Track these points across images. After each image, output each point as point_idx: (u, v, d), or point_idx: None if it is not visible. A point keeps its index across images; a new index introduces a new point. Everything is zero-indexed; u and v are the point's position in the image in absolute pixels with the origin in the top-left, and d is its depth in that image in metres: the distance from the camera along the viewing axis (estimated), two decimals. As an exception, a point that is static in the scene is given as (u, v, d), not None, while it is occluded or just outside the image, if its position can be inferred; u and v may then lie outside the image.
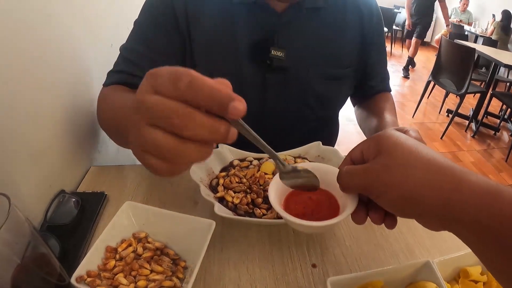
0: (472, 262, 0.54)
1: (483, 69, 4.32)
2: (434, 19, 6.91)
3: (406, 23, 5.16)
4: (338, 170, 0.44)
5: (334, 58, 0.78)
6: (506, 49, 4.82)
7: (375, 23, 0.83)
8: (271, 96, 0.78)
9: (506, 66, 3.19)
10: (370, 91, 0.91)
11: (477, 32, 5.87)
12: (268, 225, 0.61)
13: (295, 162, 0.69)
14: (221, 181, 0.63)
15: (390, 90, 0.93)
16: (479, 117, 3.51)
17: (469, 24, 6.38)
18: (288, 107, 0.80)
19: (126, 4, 1.15)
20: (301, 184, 0.45)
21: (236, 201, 0.59)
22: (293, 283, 0.53)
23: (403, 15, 7.04)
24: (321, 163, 0.55)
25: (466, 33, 5.46)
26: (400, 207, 0.37)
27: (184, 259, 0.52)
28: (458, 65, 3.15)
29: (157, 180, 0.73)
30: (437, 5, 4.92)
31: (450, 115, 3.44)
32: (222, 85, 0.29)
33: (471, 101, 4.11)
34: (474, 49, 2.98)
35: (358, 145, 0.43)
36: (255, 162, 0.69)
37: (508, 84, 4.51)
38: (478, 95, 3.52)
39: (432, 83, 3.57)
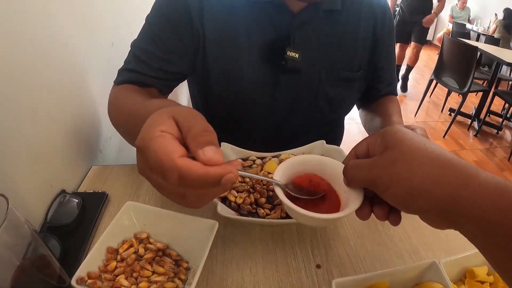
0: (479, 262, 0.53)
1: (486, 68, 4.30)
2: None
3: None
4: (341, 164, 0.44)
5: (347, 61, 0.78)
6: (509, 47, 4.78)
7: (387, 28, 0.82)
8: (282, 98, 0.77)
9: (508, 64, 3.18)
10: (377, 94, 0.90)
11: (479, 31, 5.85)
12: (271, 225, 0.61)
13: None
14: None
15: (396, 94, 0.92)
16: (482, 116, 3.49)
17: (469, 21, 6.37)
18: (298, 109, 0.79)
19: (126, 4, 1.14)
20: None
21: (239, 201, 0.58)
22: (297, 284, 0.52)
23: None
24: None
25: (467, 31, 5.44)
26: (406, 202, 0.36)
27: (186, 260, 0.51)
28: (461, 63, 3.13)
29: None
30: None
31: (453, 114, 3.43)
32: (212, 168, 0.31)
33: (473, 99, 4.09)
34: (476, 48, 2.96)
35: (363, 139, 0.42)
36: (258, 161, 0.68)
37: (510, 82, 4.49)
38: (480, 93, 3.50)
39: (434, 82, 3.55)
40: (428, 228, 0.58)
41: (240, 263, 0.55)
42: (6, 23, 0.52)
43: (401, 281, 0.49)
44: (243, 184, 0.61)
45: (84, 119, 0.78)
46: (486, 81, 3.74)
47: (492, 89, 3.37)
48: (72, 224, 0.59)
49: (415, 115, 3.73)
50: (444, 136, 3.37)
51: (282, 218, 0.56)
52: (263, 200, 0.59)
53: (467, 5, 6.40)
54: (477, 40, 5.40)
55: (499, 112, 3.82)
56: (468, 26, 5.97)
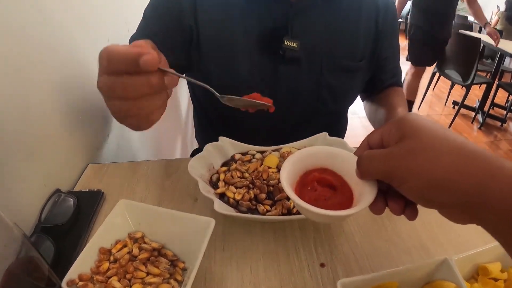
0: (491, 259, 0.51)
1: (489, 60, 4.25)
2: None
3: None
4: (353, 155, 0.41)
5: (348, 50, 0.76)
6: (511, 39, 4.74)
7: (390, 17, 0.80)
8: (282, 89, 0.75)
9: (512, 56, 3.14)
10: (381, 85, 0.88)
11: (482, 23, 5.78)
12: (272, 222, 0.58)
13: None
14: (222, 176, 0.60)
15: (401, 85, 0.90)
16: (485, 109, 3.45)
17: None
18: (300, 100, 0.77)
19: (122, -3, 1.12)
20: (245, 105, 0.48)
21: (238, 197, 0.55)
22: (300, 284, 0.49)
23: (406, 7, 6.98)
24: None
25: (470, 23, 5.38)
26: (427, 196, 0.34)
27: (183, 260, 0.48)
28: (464, 55, 3.10)
29: (155, 177, 0.70)
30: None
31: (456, 107, 3.39)
32: (134, 47, 0.36)
33: (476, 92, 4.05)
34: (479, 39, 2.94)
35: (377, 129, 0.40)
36: (258, 155, 0.65)
37: (515, 74, 4.45)
38: (483, 86, 3.47)
39: (437, 75, 3.52)
40: (437, 223, 0.55)
41: (240, 262, 0.52)
42: None
43: (410, 280, 0.47)
44: (242, 179, 0.59)
45: (80, 116, 0.76)
46: (489, 73, 3.70)
47: (496, 81, 3.34)
48: (67, 224, 0.57)
49: (418, 109, 3.70)
50: (448, 129, 3.32)
51: (283, 214, 0.54)
52: (263, 196, 0.56)
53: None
54: (479, 32, 5.34)
55: (503, 104, 3.78)
56: (470, 18, 5.89)
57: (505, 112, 3.61)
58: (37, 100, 0.60)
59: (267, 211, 0.54)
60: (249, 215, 0.53)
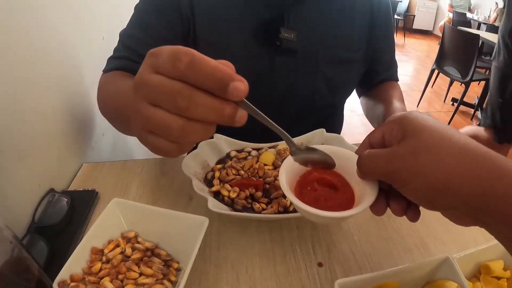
0: (493, 257, 0.50)
1: (488, 57, 4.24)
2: (436, 7, 6.84)
3: None
4: (354, 154, 0.40)
5: (344, 41, 0.75)
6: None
7: (384, 8, 0.80)
8: (279, 81, 0.74)
9: (511, 52, 3.12)
10: (376, 78, 0.87)
11: (480, 19, 5.77)
12: (268, 221, 0.57)
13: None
14: (217, 174, 0.59)
15: (397, 80, 0.90)
16: (484, 105, 3.43)
17: (469, 10, 6.28)
18: (296, 92, 0.77)
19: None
20: (315, 160, 0.42)
21: (233, 195, 0.54)
22: (297, 284, 0.48)
23: (404, 4, 6.98)
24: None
25: (468, 20, 5.38)
26: (430, 198, 0.33)
27: (177, 260, 0.47)
28: (462, 52, 3.10)
29: (150, 176, 0.69)
30: None
31: (455, 104, 3.38)
32: (224, 66, 0.29)
33: (476, 89, 4.04)
34: (478, 36, 2.93)
35: (378, 127, 0.39)
36: (254, 152, 0.64)
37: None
38: (482, 83, 3.46)
39: (436, 72, 3.51)
40: (437, 221, 0.54)
41: (235, 262, 0.51)
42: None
43: (411, 279, 0.45)
44: (238, 177, 0.57)
45: (74, 115, 0.75)
46: (488, 70, 3.69)
47: (495, 78, 3.32)
48: (60, 224, 0.56)
49: (417, 106, 3.69)
50: (447, 127, 3.31)
51: (279, 212, 0.52)
52: (259, 194, 0.55)
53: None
54: (478, 28, 5.33)
55: (503, 101, 3.76)
56: (469, 15, 5.88)
57: (504, 109, 3.59)
58: (30, 99, 0.59)
59: (263, 209, 0.53)
60: (245, 214, 0.51)
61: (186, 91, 0.28)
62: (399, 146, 0.34)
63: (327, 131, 0.68)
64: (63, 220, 0.56)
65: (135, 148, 1.14)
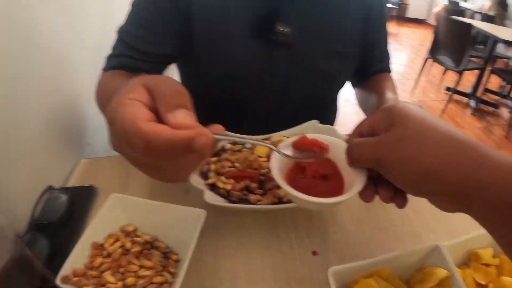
0: (483, 245, 0.51)
1: (481, 46, 4.25)
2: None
3: None
4: (344, 143, 0.41)
5: (340, 35, 0.75)
6: (504, 25, 4.72)
7: (378, 2, 0.80)
8: (276, 75, 0.74)
9: (505, 42, 3.12)
10: (370, 69, 0.87)
11: (474, 9, 5.76)
12: (264, 212, 0.58)
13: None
14: (213, 166, 0.60)
15: (390, 71, 0.90)
16: (478, 94, 3.46)
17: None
18: (294, 87, 0.77)
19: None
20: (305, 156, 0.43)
21: (228, 187, 0.55)
22: (293, 272, 0.50)
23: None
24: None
25: (462, 9, 5.36)
26: (415, 184, 0.34)
27: (176, 252, 0.49)
28: (456, 41, 3.08)
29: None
30: None
31: (449, 93, 3.39)
32: (180, 125, 0.28)
33: (470, 78, 4.05)
34: (470, 25, 2.91)
35: (367, 117, 0.40)
36: (249, 145, 0.65)
37: (506, 60, 4.44)
38: (476, 72, 3.47)
39: (430, 61, 3.51)
40: (429, 210, 0.55)
41: (233, 252, 0.52)
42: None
43: (402, 266, 0.47)
44: (232, 169, 0.58)
45: (69, 111, 0.75)
46: (482, 59, 3.70)
47: (488, 67, 3.34)
48: (60, 220, 0.56)
49: (411, 95, 3.70)
50: (441, 115, 3.34)
51: (274, 203, 0.54)
52: (254, 185, 0.56)
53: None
54: (472, 18, 5.33)
55: (496, 90, 3.79)
56: (463, 4, 5.87)
57: (497, 97, 3.62)
58: (25, 98, 0.59)
59: (259, 200, 0.54)
60: (240, 205, 0.53)
61: (152, 162, 0.29)
62: (386, 134, 0.35)
63: (322, 122, 0.68)
64: (62, 216, 0.57)
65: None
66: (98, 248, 0.47)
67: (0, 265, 0.37)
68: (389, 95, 0.75)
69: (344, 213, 0.60)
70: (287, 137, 0.66)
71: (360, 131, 0.40)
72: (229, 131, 0.66)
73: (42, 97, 0.65)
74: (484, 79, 3.38)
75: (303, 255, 0.52)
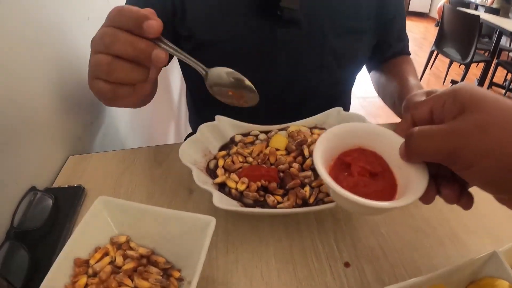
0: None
1: (486, 38, 4.21)
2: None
3: None
4: (396, 135, 0.36)
5: (352, 9, 0.68)
6: (508, 17, 4.69)
7: None
8: (282, 56, 0.68)
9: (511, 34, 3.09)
10: (389, 50, 0.81)
11: (477, 1, 5.71)
12: (284, 216, 0.49)
13: (312, 133, 0.56)
14: (221, 162, 0.51)
15: (409, 54, 0.84)
16: (484, 88, 3.40)
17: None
18: (301, 68, 0.70)
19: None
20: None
21: (241, 187, 0.46)
22: (323, 289, 0.41)
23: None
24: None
25: (467, 2, 5.31)
26: (499, 179, 0.28)
27: (178, 268, 0.39)
28: (462, 33, 3.10)
29: (143, 166, 0.61)
30: None
31: (455, 86, 3.34)
32: (144, 10, 0.37)
33: (474, 71, 4.01)
34: (478, 16, 2.94)
35: (423, 101, 0.34)
36: (262, 136, 0.56)
37: (511, 53, 4.41)
38: (481, 65, 3.45)
39: (434, 54, 3.46)
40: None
41: (248, 266, 0.43)
42: None
43: (456, 280, 0.39)
44: (245, 164, 0.49)
45: (58, 102, 0.67)
46: (487, 52, 3.65)
47: (495, 60, 3.29)
48: (43, 228, 0.49)
49: (416, 89, 3.64)
50: (447, 110, 3.28)
51: (298, 206, 0.45)
52: (274, 185, 0.47)
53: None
54: (476, 10, 5.28)
55: (501, 83, 3.74)
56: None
57: (503, 91, 3.57)
58: (7, 87, 0.52)
59: (278, 202, 0.45)
60: (258, 210, 0.43)
61: (110, 31, 0.37)
62: (460, 121, 0.29)
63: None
64: (46, 223, 0.50)
65: (127, 137, 1.06)
66: (82, 265, 0.38)
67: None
68: (412, 81, 0.69)
69: (376, 215, 0.51)
70: (306, 127, 0.57)
71: (415, 118, 0.35)
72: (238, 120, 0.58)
73: (27, 86, 0.57)
74: (489, 72, 3.33)
75: (334, 267, 0.43)
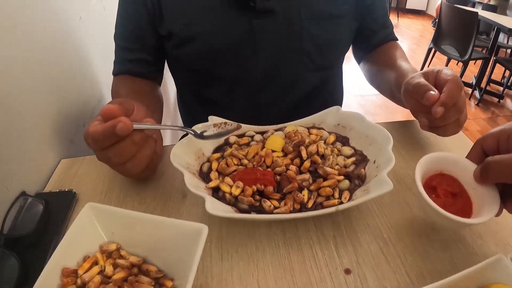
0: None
1: (483, 36, 4.21)
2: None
3: None
4: (469, 161, 0.45)
5: None
6: (505, 14, 4.69)
7: None
8: (262, 46, 0.68)
9: (510, 31, 3.08)
10: (374, 37, 0.81)
11: (475, -1, 5.71)
12: (281, 221, 0.47)
13: (310, 133, 0.54)
14: (215, 165, 0.49)
15: (396, 39, 0.84)
16: (482, 85, 3.40)
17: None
18: (282, 56, 0.70)
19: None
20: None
21: (236, 192, 0.44)
22: (323, 299, 0.39)
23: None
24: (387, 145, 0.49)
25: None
26: None
27: (171, 277, 0.37)
28: (460, 30, 3.07)
29: (135, 171, 0.59)
30: None
31: (453, 84, 3.33)
32: (106, 112, 0.42)
33: (472, 68, 4.01)
34: (477, 13, 2.91)
35: (489, 133, 0.42)
36: (258, 137, 0.54)
37: (509, 50, 4.41)
38: (479, 62, 3.43)
39: (432, 51, 3.45)
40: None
41: (244, 274, 0.41)
42: None
43: (462, 286, 0.37)
44: (240, 167, 0.47)
45: (49, 104, 0.66)
46: (485, 49, 3.64)
47: (493, 57, 3.28)
48: (34, 234, 0.48)
49: (414, 87, 3.64)
50: (446, 107, 3.28)
51: (296, 210, 0.43)
52: (270, 189, 0.45)
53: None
54: (473, 7, 5.28)
55: (499, 80, 3.74)
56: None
57: (501, 88, 3.57)
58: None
59: (275, 207, 0.43)
60: (253, 216, 0.41)
61: (109, 152, 0.43)
62: None
63: (324, 98, 0.69)
64: (36, 229, 0.48)
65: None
66: (70, 275, 0.36)
67: None
68: (405, 65, 0.68)
69: (377, 217, 0.49)
70: (304, 126, 0.55)
71: (484, 148, 0.43)
72: (223, 117, 0.57)
73: (17, 88, 0.56)
74: (487, 69, 3.32)
75: (334, 274, 0.41)
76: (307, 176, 0.47)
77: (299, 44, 0.69)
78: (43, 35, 0.66)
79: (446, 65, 3.71)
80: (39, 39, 0.64)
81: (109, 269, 0.37)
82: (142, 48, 0.72)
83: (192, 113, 0.88)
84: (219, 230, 0.46)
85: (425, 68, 3.57)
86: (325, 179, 0.47)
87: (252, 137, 0.54)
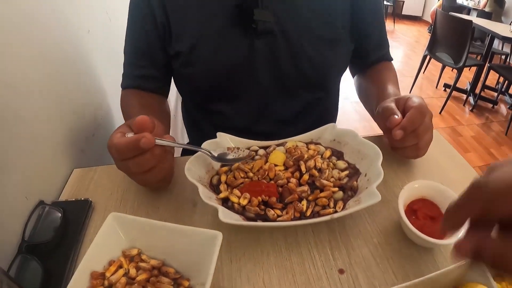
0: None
1: (478, 42, 4.25)
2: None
3: None
4: (449, 190, 0.51)
5: (326, 18, 0.71)
6: (500, 21, 4.73)
7: None
8: (262, 64, 0.71)
9: (503, 38, 3.13)
10: (368, 57, 0.83)
11: (470, 5, 5.76)
12: (283, 228, 0.53)
13: (308, 148, 0.59)
14: (223, 178, 0.54)
15: (391, 59, 0.86)
16: (477, 91, 3.44)
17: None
18: (280, 75, 0.73)
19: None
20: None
21: (244, 202, 0.49)
22: (320, 295, 0.44)
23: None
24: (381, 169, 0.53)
25: (458, 5, 5.36)
26: None
27: (187, 277, 0.43)
28: (455, 38, 3.08)
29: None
30: None
31: (447, 90, 3.38)
32: (137, 125, 0.48)
33: (467, 74, 4.05)
34: (471, 21, 2.91)
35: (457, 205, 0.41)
36: (261, 151, 0.59)
37: (503, 56, 4.45)
38: (474, 68, 3.46)
39: (427, 58, 3.49)
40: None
41: (251, 274, 0.47)
42: None
43: (441, 285, 0.42)
44: (246, 179, 0.53)
45: (60, 116, 0.69)
46: (479, 55, 3.69)
47: (487, 63, 3.32)
48: (53, 240, 0.51)
49: (410, 92, 3.68)
50: (440, 112, 3.33)
51: (296, 218, 0.48)
52: (273, 199, 0.50)
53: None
54: (468, 14, 5.33)
55: (493, 86, 3.78)
56: (459, 0, 5.86)
57: (496, 94, 3.61)
58: (11, 102, 0.53)
59: (278, 216, 0.49)
60: (259, 223, 0.47)
61: (129, 163, 0.48)
62: None
63: (319, 116, 0.72)
64: (56, 236, 0.51)
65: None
66: (99, 278, 0.41)
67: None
68: (390, 90, 0.72)
69: (369, 225, 0.55)
70: (302, 142, 0.61)
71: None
72: (226, 125, 0.62)
73: (29, 101, 0.58)
74: (482, 75, 3.36)
75: (329, 274, 0.47)
76: (306, 188, 0.52)
77: (296, 64, 0.72)
78: (54, 49, 0.68)
79: (441, 72, 3.75)
80: (50, 53, 0.67)
81: (132, 271, 0.42)
82: (151, 65, 0.74)
83: (197, 123, 0.91)
84: (228, 236, 0.51)
85: (421, 75, 3.61)
86: (321, 191, 0.52)
87: (256, 151, 0.59)
